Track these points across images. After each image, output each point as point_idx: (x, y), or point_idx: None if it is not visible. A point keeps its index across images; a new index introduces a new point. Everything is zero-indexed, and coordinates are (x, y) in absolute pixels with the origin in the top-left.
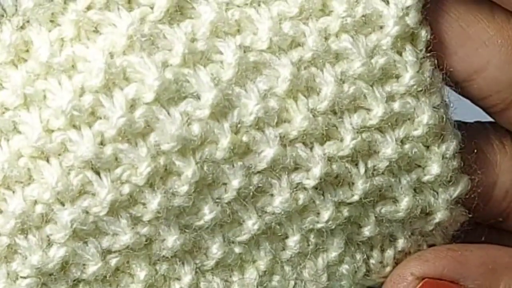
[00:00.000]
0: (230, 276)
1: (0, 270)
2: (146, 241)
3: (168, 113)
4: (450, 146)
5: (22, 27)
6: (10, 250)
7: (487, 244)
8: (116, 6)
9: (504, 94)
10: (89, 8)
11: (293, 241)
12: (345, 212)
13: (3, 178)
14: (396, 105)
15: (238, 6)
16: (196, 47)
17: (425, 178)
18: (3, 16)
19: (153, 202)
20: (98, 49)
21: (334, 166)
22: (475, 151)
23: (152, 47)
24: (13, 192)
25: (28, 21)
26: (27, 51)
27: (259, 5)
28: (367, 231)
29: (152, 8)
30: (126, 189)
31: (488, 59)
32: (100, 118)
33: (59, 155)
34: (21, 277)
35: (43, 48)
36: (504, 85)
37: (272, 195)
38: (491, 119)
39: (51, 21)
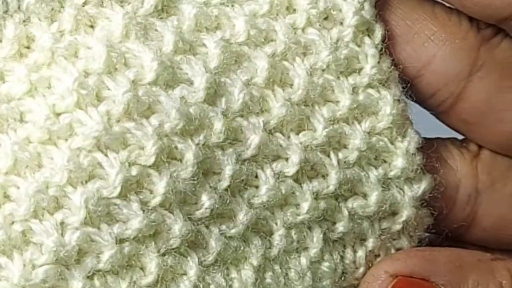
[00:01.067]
0: (228, 274)
1: (15, 260)
2: (154, 228)
3: (168, 95)
4: (412, 140)
5: (24, 23)
6: (24, 238)
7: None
8: (109, 2)
9: (451, 87)
10: (85, 3)
11: (278, 235)
12: (322, 204)
13: (13, 165)
14: (360, 97)
15: (215, 5)
16: (184, 38)
17: (392, 173)
18: (6, 12)
19: (161, 184)
20: (97, 37)
21: (309, 155)
22: (435, 148)
23: (146, 36)
24: (24, 178)
25: (29, 18)
26: (28, 47)
27: (232, 5)
28: (341, 227)
29: (142, 3)
30: (134, 170)
31: (434, 53)
32: (105, 99)
33: (68, 138)
34: (38, 265)
35: (45, 36)
36: (450, 77)
37: (257, 186)
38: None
39: (51, 16)
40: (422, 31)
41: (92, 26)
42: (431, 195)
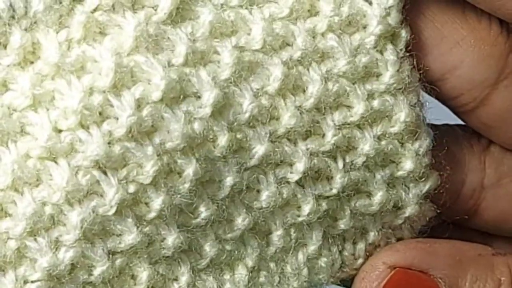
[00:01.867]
0: (222, 275)
1: (7, 275)
2: (148, 240)
3: (173, 112)
4: (424, 143)
5: (30, 29)
6: (18, 254)
7: (454, 239)
8: (122, 8)
9: (475, 93)
10: (96, 9)
11: (276, 235)
12: (324, 205)
13: (12, 180)
14: (375, 103)
15: (233, 8)
16: (197, 47)
17: (399, 174)
18: (13, 17)
19: (157, 201)
20: (106, 50)
21: (315, 161)
22: (445, 148)
23: (156, 47)
24: (22, 194)
25: (35, 23)
26: (34, 53)
27: (251, 6)
28: (342, 224)
29: (155, 9)
30: (131, 188)
31: (461, 58)
32: (109, 118)
33: (67, 156)
34: (31, 281)
35: (52, 49)
36: (476, 84)
37: (258, 190)
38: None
39: (59, 22)
40: (451, 35)
41: (102, 33)
42: (436, 191)
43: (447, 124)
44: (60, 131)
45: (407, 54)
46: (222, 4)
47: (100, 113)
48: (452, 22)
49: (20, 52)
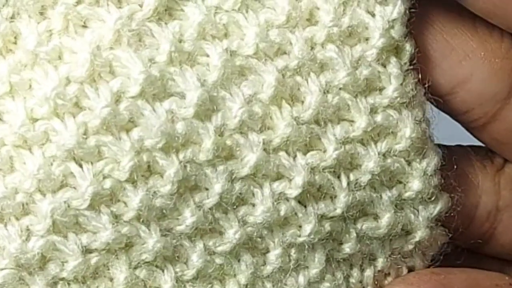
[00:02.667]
0: None
1: None
2: (126, 241)
3: (153, 109)
4: (431, 162)
5: (12, 18)
6: None
7: (469, 268)
8: (106, 2)
9: (486, 107)
10: (79, 2)
11: (274, 255)
12: (327, 226)
13: None
14: (378, 118)
15: (227, 11)
16: (183, 47)
17: (406, 195)
18: None
19: (135, 199)
20: (85, 42)
21: (316, 177)
22: (455, 167)
23: (139, 43)
24: None
25: (18, 13)
26: (15, 43)
27: (247, 11)
28: (347, 248)
29: (141, 6)
30: (107, 183)
31: (471, 72)
32: (85, 109)
33: (42, 144)
34: None
35: (30, 37)
36: (486, 98)
37: (253, 204)
38: (470, 143)
39: (41, 13)
40: (460, 47)
41: (85, 26)
42: (447, 215)
43: (459, 145)
44: (35, 119)
45: (412, 67)
46: (216, 7)
47: (76, 104)
48: (462, 34)
49: (0, 39)
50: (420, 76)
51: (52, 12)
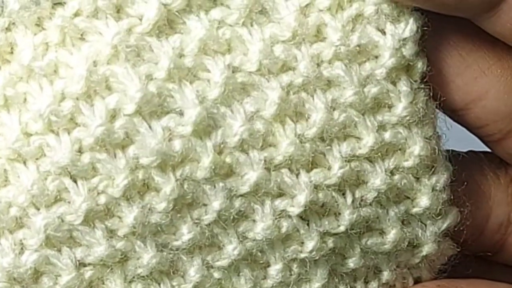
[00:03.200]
0: None
1: None
2: (121, 256)
3: (150, 127)
4: (441, 178)
5: (8, 29)
6: None
7: (476, 279)
8: (104, 15)
9: (501, 125)
10: (76, 14)
11: (275, 269)
12: (330, 243)
13: None
14: (387, 135)
15: (230, 26)
16: (183, 63)
17: (414, 210)
18: None
19: (129, 216)
20: (81, 56)
21: (320, 195)
22: (466, 183)
23: (137, 58)
24: None
25: (14, 23)
26: (12, 53)
27: (251, 25)
28: (351, 263)
29: (140, 19)
30: (102, 199)
31: (486, 89)
32: (80, 126)
33: (37, 159)
34: None
35: (26, 51)
36: (502, 116)
37: (254, 220)
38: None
39: (37, 25)
40: (476, 64)
41: (82, 39)
42: (456, 228)
43: (472, 151)
44: (30, 134)
45: (424, 84)
46: (219, 21)
47: (71, 120)
48: (478, 50)
49: None
50: (432, 90)
51: (49, 24)
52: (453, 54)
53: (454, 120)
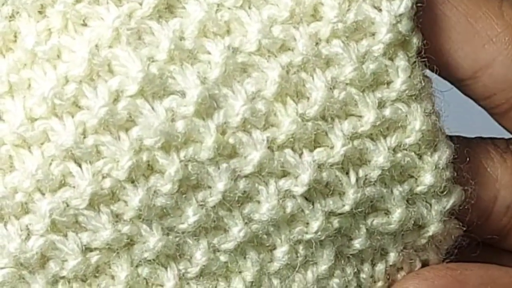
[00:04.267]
0: (216, 286)
1: None
2: (127, 240)
3: (152, 108)
4: (443, 155)
5: (12, 17)
6: None
7: (486, 263)
8: (106, 0)
9: (509, 93)
10: (78, 1)
11: (281, 252)
12: (335, 223)
13: None
14: (387, 112)
15: (229, 8)
16: (184, 45)
17: (418, 189)
18: None
19: (135, 199)
20: (84, 40)
21: (324, 174)
22: (474, 160)
23: (138, 41)
24: None
25: (18, 12)
26: (15, 41)
27: (249, 7)
28: (357, 244)
29: (141, 4)
30: (107, 183)
31: (494, 56)
32: (83, 109)
33: (42, 144)
34: None
35: (29, 37)
36: (509, 83)
37: (259, 201)
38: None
39: (40, 12)
40: (484, 31)
41: (84, 25)
42: (461, 208)
43: (479, 137)
44: (34, 119)
45: (421, 59)
46: (218, 4)
47: (74, 103)
48: (486, 18)
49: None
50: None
51: (51, 11)
52: (462, 21)
53: (462, 92)
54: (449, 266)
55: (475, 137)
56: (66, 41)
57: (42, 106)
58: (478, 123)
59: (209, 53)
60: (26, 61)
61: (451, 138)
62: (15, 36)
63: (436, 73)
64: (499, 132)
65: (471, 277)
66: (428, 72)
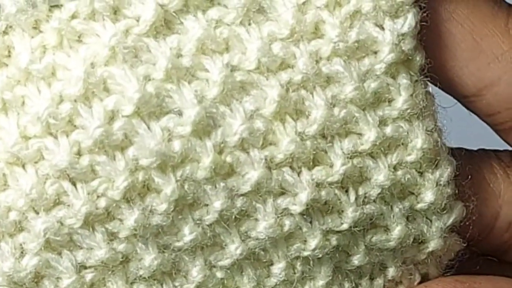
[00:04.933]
0: None
1: None
2: (122, 258)
3: (148, 128)
4: (445, 172)
5: (5, 32)
6: None
7: (494, 276)
8: (101, 17)
9: None
10: (73, 17)
11: (278, 268)
12: (334, 240)
13: None
14: (388, 130)
15: (228, 25)
16: (181, 62)
17: (419, 206)
18: None
19: (130, 218)
20: (79, 58)
21: (322, 193)
22: (475, 179)
23: (135, 59)
24: None
25: (11, 27)
26: (9, 56)
27: (249, 24)
28: (356, 260)
29: (137, 20)
30: (102, 202)
31: (500, 75)
32: (78, 128)
33: (36, 162)
34: None
35: (23, 54)
36: None
37: (256, 219)
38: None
39: (35, 27)
40: (490, 49)
41: (79, 41)
42: (462, 224)
43: (482, 149)
44: (28, 138)
45: (423, 77)
46: (217, 21)
47: (69, 122)
48: (492, 35)
49: None
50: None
51: (46, 27)
52: (467, 39)
53: (466, 107)
54: (458, 278)
55: (478, 149)
56: (61, 58)
57: (37, 125)
58: (481, 134)
59: (207, 71)
60: (20, 78)
61: (453, 150)
62: (9, 51)
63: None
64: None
65: None
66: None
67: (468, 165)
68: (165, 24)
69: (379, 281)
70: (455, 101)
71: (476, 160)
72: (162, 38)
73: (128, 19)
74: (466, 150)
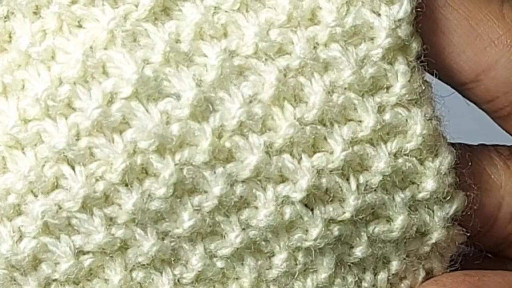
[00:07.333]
0: None
1: None
2: (121, 243)
3: (147, 110)
4: (445, 160)
5: (7, 18)
6: None
7: (503, 270)
8: (101, 2)
9: (511, 96)
10: (73, 2)
11: (279, 259)
12: (335, 230)
13: None
14: (387, 116)
15: (226, 11)
16: (180, 47)
17: (420, 195)
18: None
19: (128, 202)
20: (78, 42)
21: (323, 180)
22: (477, 166)
23: (133, 44)
24: None
25: (12, 12)
26: (10, 42)
27: (247, 11)
28: (358, 252)
29: (136, 6)
30: (100, 186)
31: (496, 59)
32: (77, 110)
33: (35, 145)
34: None
35: (23, 38)
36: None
37: (256, 207)
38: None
39: (35, 13)
40: (486, 34)
41: (79, 26)
42: (463, 214)
43: (482, 144)
44: (28, 120)
45: (421, 64)
46: (215, 7)
47: (68, 105)
48: (487, 20)
49: None
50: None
51: (46, 12)
52: (463, 24)
53: (464, 96)
54: (467, 272)
55: (478, 144)
56: (61, 42)
57: (36, 108)
58: (479, 130)
59: (205, 55)
60: (20, 62)
61: (453, 145)
62: (10, 37)
63: (436, 77)
64: (501, 138)
65: (490, 283)
66: (428, 76)
67: (468, 157)
68: (163, 10)
69: (383, 275)
70: (455, 101)
71: (476, 152)
72: (161, 23)
73: (127, 4)
74: (465, 144)
